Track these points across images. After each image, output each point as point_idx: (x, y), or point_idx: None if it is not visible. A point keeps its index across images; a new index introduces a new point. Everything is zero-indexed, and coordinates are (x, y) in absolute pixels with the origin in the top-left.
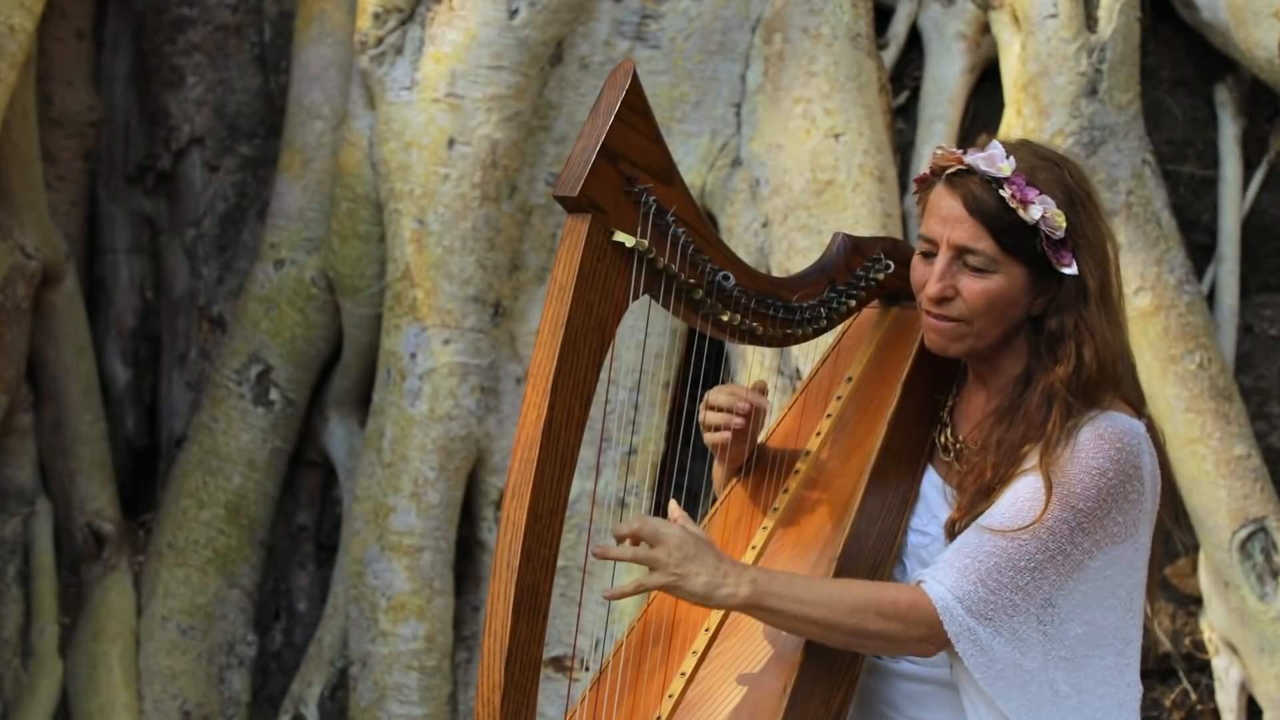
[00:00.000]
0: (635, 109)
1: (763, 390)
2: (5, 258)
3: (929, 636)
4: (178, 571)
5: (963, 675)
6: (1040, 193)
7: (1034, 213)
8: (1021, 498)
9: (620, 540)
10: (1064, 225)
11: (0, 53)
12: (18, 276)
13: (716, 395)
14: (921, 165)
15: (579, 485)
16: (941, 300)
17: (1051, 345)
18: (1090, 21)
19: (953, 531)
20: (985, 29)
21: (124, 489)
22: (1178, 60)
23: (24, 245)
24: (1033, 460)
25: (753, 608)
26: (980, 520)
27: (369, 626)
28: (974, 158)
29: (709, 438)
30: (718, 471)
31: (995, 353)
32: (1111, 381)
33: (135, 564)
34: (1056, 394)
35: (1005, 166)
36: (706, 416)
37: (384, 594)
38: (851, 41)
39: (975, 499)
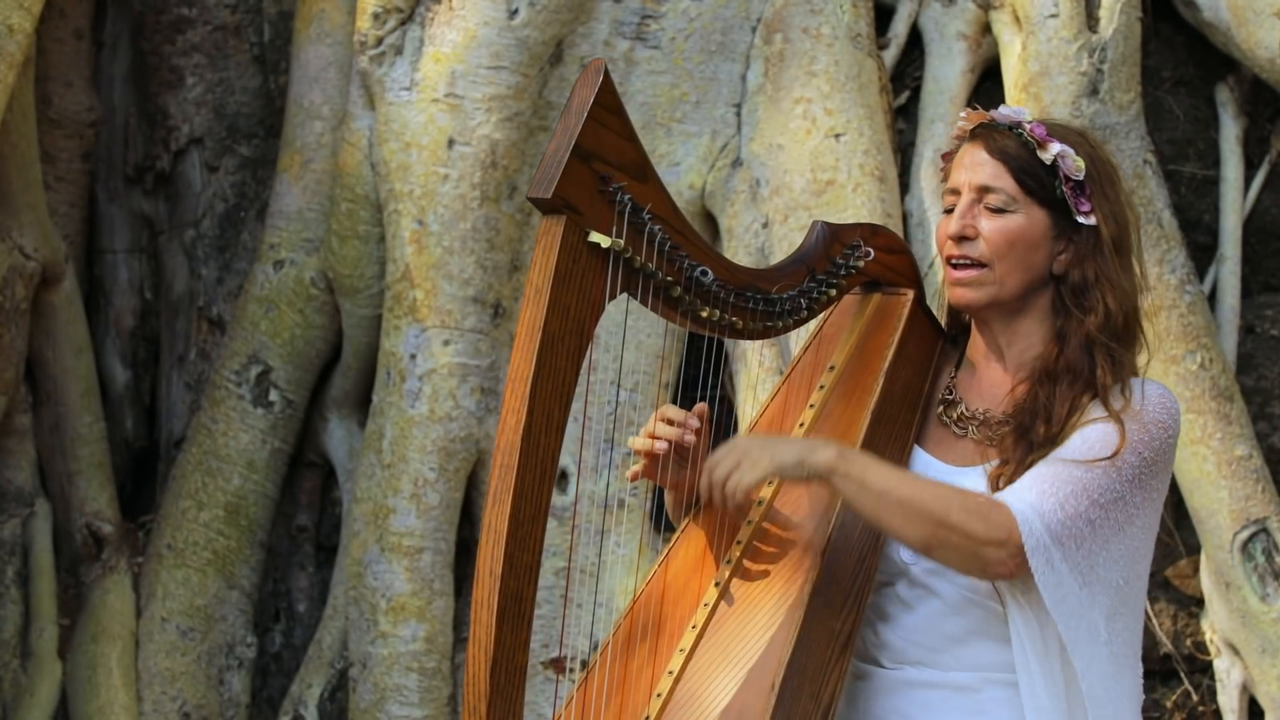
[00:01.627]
0: (607, 107)
1: (701, 416)
2: (4, 258)
3: (1005, 542)
4: (177, 573)
5: (1018, 603)
6: (1059, 141)
7: (1052, 149)
8: (1093, 439)
9: (709, 498)
10: (1083, 168)
11: None
12: (17, 277)
13: (665, 412)
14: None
15: (579, 485)
16: (962, 239)
17: (1077, 297)
18: (1091, 21)
19: (997, 486)
20: (986, 29)
21: (123, 490)
22: (1179, 60)
23: (23, 246)
24: (1098, 411)
25: (840, 474)
26: (1054, 454)
27: (369, 628)
28: (996, 112)
29: (634, 469)
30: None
31: (1016, 315)
32: (1135, 333)
33: (134, 565)
34: (1096, 342)
35: (1026, 115)
36: (656, 430)
37: (384, 595)
38: (852, 41)
39: (1031, 451)
